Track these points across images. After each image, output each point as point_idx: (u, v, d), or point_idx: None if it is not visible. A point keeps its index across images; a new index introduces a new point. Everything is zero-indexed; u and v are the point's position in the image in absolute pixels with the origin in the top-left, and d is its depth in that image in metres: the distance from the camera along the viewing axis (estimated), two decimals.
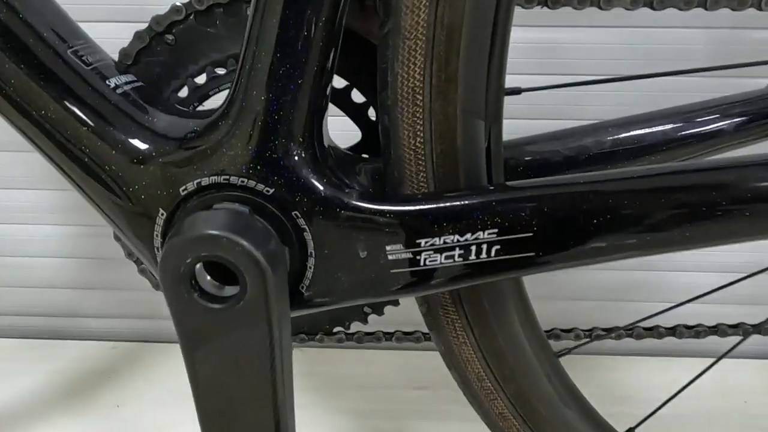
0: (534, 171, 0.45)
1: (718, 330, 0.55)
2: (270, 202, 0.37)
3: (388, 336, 0.60)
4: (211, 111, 0.39)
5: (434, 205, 0.36)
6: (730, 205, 0.33)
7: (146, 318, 1.05)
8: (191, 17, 0.44)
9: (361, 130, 0.48)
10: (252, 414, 0.37)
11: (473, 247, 0.36)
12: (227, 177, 0.36)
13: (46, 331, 1.06)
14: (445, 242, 0.36)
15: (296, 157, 0.37)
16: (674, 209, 0.33)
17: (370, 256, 0.37)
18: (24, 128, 0.37)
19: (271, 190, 0.36)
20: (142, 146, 0.36)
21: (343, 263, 0.38)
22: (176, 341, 0.84)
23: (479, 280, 0.38)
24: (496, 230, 0.36)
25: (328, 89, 0.39)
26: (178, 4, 0.44)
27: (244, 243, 0.33)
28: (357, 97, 0.47)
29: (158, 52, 0.46)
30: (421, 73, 0.36)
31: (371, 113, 0.47)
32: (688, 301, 0.56)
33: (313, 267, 0.38)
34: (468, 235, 0.36)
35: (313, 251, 0.38)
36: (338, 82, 0.47)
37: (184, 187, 0.36)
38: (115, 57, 0.44)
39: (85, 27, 0.42)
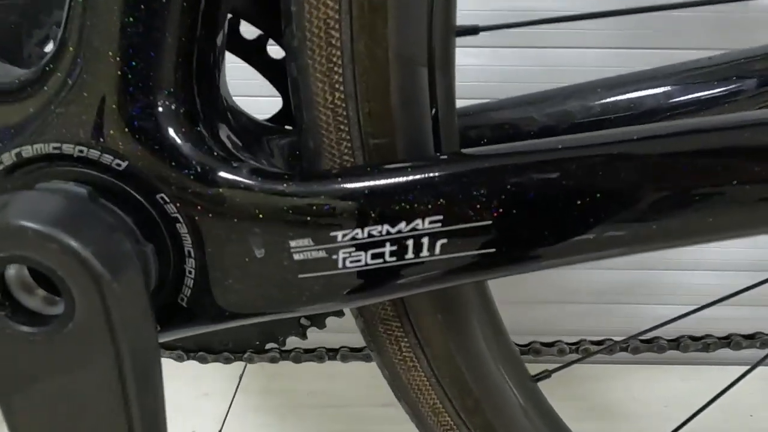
0: (501, 143, 0.35)
1: (731, 342, 0.45)
2: (123, 180, 0.26)
3: (332, 353, 0.49)
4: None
5: (354, 184, 0.26)
6: None
7: None
8: None
9: (282, 94, 0.37)
10: None
11: (410, 242, 0.26)
12: (58, 146, 0.25)
13: None
14: (370, 235, 0.26)
15: (161, 117, 0.26)
16: (694, 183, 0.23)
17: (269, 256, 0.27)
18: None
19: (124, 164, 0.26)
20: None
21: (235, 266, 0.27)
22: None
23: (421, 287, 0.27)
24: (440, 217, 0.25)
25: (219, 28, 0.28)
26: None
27: (67, 240, 0.22)
28: (275, 51, 0.37)
29: None
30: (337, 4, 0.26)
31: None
32: (692, 312, 0.46)
33: (193, 271, 0.28)
34: (402, 225, 0.25)
35: (191, 249, 0.27)
36: (249, 31, 0.37)
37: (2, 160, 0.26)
38: None
39: None
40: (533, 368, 0.40)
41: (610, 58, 0.71)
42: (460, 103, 0.32)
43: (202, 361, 0.47)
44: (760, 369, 0.93)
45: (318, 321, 0.46)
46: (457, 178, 0.25)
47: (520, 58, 0.68)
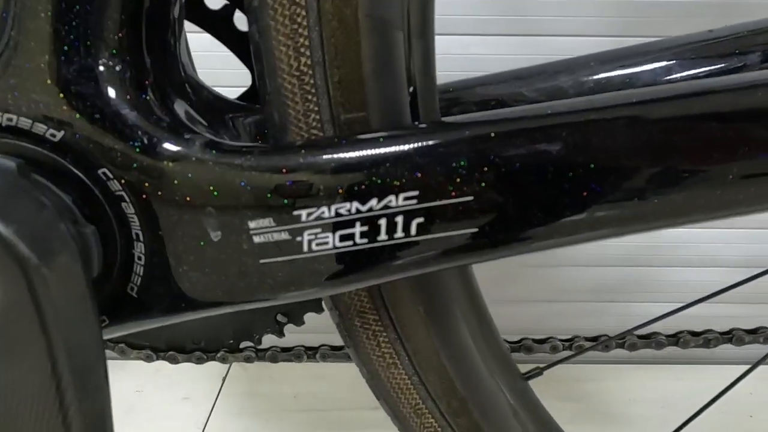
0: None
1: (733, 337, 0.43)
2: (59, 153, 0.23)
3: (311, 351, 0.46)
4: None
5: (318, 157, 0.23)
6: None
7: None
8: None
9: (250, 69, 0.35)
10: None
11: (382, 221, 0.23)
12: None
13: None
14: (338, 213, 0.23)
15: (103, 83, 0.23)
16: (707, 150, 0.20)
17: (226, 239, 0.24)
18: None
19: (59, 135, 0.23)
20: None
21: (188, 250, 0.25)
22: None
23: (396, 273, 0.25)
24: (416, 193, 0.22)
25: None
26: None
27: None
28: (242, 24, 0.34)
29: None
30: None
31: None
32: (692, 304, 0.43)
33: (143, 256, 0.25)
34: (373, 203, 0.23)
35: (139, 232, 0.24)
36: (215, 2, 0.34)
37: None
38: None
39: None
40: (525, 367, 0.38)
41: (608, 47, 0.69)
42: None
43: (173, 361, 0.44)
44: (760, 369, 0.91)
45: (295, 318, 0.43)
46: (433, 149, 0.22)
47: (520, 46, 0.66)
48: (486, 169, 0.22)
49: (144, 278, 0.25)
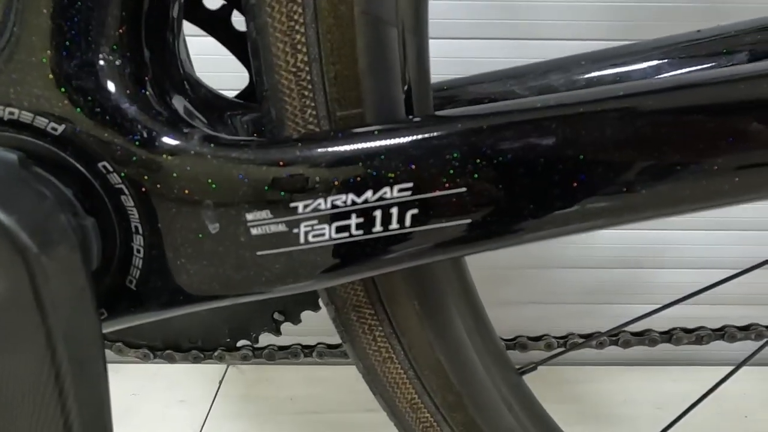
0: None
1: (725, 333, 0.43)
2: (60, 147, 0.23)
3: (308, 350, 0.46)
4: None
5: (315, 150, 0.23)
6: None
7: None
8: None
9: (248, 68, 0.35)
10: None
11: (377, 213, 0.23)
12: None
13: None
14: (334, 205, 0.23)
15: (104, 78, 0.24)
16: (694, 141, 0.21)
17: (224, 232, 0.24)
18: None
19: (60, 128, 0.23)
20: None
21: (187, 243, 0.25)
22: None
23: (391, 265, 0.25)
24: (410, 185, 0.23)
25: None
26: None
27: None
28: (240, 23, 0.34)
29: None
30: None
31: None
32: (676, 302, 0.44)
33: (142, 249, 0.25)
34: (368, 195, 0.23)
35: (138, 225, 0.25)
36: (213, 2, 0.35)
37: None
38: None
39: None
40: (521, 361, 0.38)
41: None
42: None
43: (170, 360, 0.45)
44: (756, 370, 0.92)
45: (292, 316, 0.44)
46: (427, 142, 0.23)
47: (514, 50, 0.67)
48: (478, 161, 0.23)
49: (143, 271, 0.26)
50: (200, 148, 0.24)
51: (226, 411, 0.81)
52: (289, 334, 0.45)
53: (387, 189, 0.23)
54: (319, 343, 0.47)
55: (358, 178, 0.23)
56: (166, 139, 0.24)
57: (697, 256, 0.86)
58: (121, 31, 0.24)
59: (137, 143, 0.24)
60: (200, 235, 0.25)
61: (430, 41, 0.28)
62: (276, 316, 0.44)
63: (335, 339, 0.49)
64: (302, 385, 0.84)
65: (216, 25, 0.34)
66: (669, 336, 0.44)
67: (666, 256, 0.87)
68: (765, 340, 0.40)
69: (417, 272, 0.30)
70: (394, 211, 0.23)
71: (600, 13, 0.70)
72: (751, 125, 0.21)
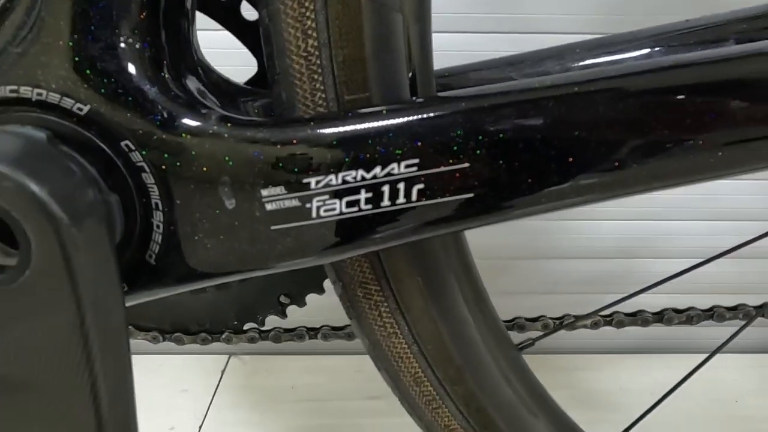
0: None
1: (714, 314, 0.45)
2: (85, 126, 0.25)
3: (313, 332, 0.48)
4: None
5: (327, 129, 0.25)
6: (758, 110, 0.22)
7: None
8: None
9: (256, 57, 0.37)
10: None
11: (386, 188, 0.25)
12: (15, 88, 0.24)
13: None
14: (344, 181, 0.25)
15: (125, 59, 0.25)
16: (684, 119, 0.23)
17: (240, 207, 0.26)
18: None
19: (85, 108, 0.25)
20: None
21: (205, 219, 0.26)
22: None
23: (399, 238, 0.27)
24: (416, 161, 0.24)
25: None
26: None
27: (20, 177, 0.21)
28: (249, 12, 0.36)
29: None
30: None
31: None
32: (650, 287, 0.45)
33: (161, 225, 0.27)
34: (377, 170, 0.25)
35: (158, 201, 0.26)
36: None
37: None
38: None
39: None
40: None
41: None
42: None
43: (179, 342, 0.46)
44: (748, 357, 0.94)
45: (298, 299, 0.45)
46: (432, 120, 0.24)
47: (509, 43, 0.68)
48: (480, 137, 0.24)
49: (162, 246, 0.27)
50: (217, 128, 0.25)
51: (228, 400, 0.82)
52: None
53: (395, 165, 0.25)
54: (323, 326, 0.49)
55: (368, 155, 0.24)
56: (185, 120, 0.25)
57: (689, 246, 0.88)
58: (141, 17, 0.25)
59: (158, 123, 0.25)
60: (217, 211, 0.26)
61: None
62: (282, 298, 0.45)
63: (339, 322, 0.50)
64: (303, 375, 0.85)
65: (226, 15, 0.35)
66: (660, 316, 0.46)
67: (659, 246, 0.89)
68: (738, 328, 0.42)
69: (420, 249, 0.32)
70: (401, 186, 0.25)
71: (592, 6, 0.72)
72: (732, 103, 0.23)
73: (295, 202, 0.25)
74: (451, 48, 0.69)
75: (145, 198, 0.26)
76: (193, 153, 0.25)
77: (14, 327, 0.23)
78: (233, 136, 0.25)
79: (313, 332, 0.52)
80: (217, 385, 0.84)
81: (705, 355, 0.90)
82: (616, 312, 0.46)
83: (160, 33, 0.26)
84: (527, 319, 0.46)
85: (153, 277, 0.28)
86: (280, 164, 0.25)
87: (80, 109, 0.25)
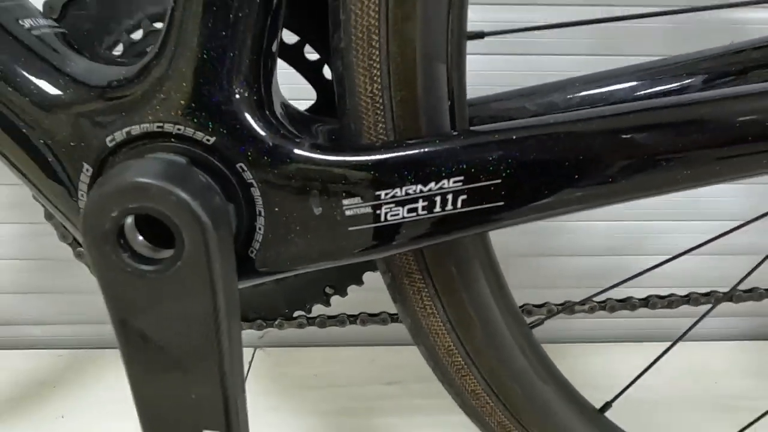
0: None
1: (690, 299, 0.54)
2: (211, 153, 0.33)
3: (353, 318, 0.56)
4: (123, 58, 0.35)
5: (394, 153, 0.33)
6: (714, 141, 0.31)
7: (93, 323, 0.98)
8: None
9: (316, 90, 0.45)
10: (195, 394, 0.33)
11: (438, 198, 0.33)
12: (161, 125, 0.32)
13: None
14: (407, 193, 0.33)
15: (239, 103, 0.33)
16: (657, 148, 0.31)
17: (325, 213, 0.34)
18: None
19: (212, 139, 0.32)
20: (60, 92, 0.32)
21: (297, 222, 0.34)
22: None
23: (446, 235, 0.35)
24: (461, 178, 0.33)
25: (277, 34, 0.35)
26: None
27: (180, 193, 0.29)
28: (310, 54, 0.44)
29: (87, 4, 0.42)
30: (377, 10, 0.33)
31: (326, 72, 0.44)
32: (634, 276, 0.54)
33: (262, 227, 0.35)
34: (432, 185, 0.33)
35: (261, 209, 0.34)
36: (289, 37, 0.44)
37: (111, 138, 0.32)
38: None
39: None
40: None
41: (581, 64, 0.81)
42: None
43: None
44: (729, 344, 1.03)
45: (340, 289, 0.53)
46: (473, 148, 0.33)
47: (507, 63, 0.77)
48: (508, 161, 0.32)
49: (262, 244, 0.35)
50: (309, 154, 0.33)
51: (256, 388, 0.89)
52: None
53: (445, 181, 0.33)
54: (361, 312, 0.56)
55: (425, 174, 0.33)
56: (286, 147, 0.33)
57: (675, 244, 0.97)
58: (249, 71, 0.33)
59: (264, 150, 0.33)
60: (307, 217, 0.34)
61: None
62: (327, 289, 0.53)
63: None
64: (324, 364, 0.93)
65: (293, 56, 0.43)
66: (646, 302, 0.54)
67: (646, 244, 0.98)
68: (697, 320, 0.51)
69: (455, 246, 0.40)
70: (449, 196, 0.33)
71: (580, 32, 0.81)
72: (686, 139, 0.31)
73: (368, 209, 0.34)
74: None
75: (251, 207, 0.34)
76: (291, 173, 0.33)
77: (166, 305, 0.31)
78: (321, 160, 0.33)
79: (332, 319, 0.60)
80: (246, 375, 0.92)
81: (687, 343, 0.99)
82: (609, 298, 0.54)
83: (261, 81, 0.34)
84: (534, 305, 0.55)
85: (253, 268, 0.36)
86: (358, 181, 0.33)
87: (208, 140, 0.32)
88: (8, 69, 0.32)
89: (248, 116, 0.33)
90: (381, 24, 0.33)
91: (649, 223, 0.97)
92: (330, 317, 0.57)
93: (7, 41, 0.32)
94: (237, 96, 0.33)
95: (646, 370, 0.54)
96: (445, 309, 0.42)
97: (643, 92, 0.45)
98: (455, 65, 0.36)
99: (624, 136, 0.32)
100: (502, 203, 0.33)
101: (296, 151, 0.33)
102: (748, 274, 0.51)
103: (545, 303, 0.55)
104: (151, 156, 0.32)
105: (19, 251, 0.94)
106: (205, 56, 0.32)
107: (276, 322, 0.54)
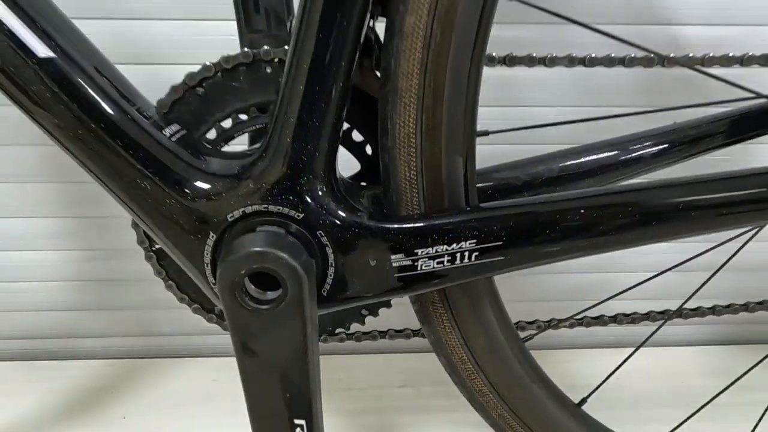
0: (500, 193, 0.57)
1: (649, 316, 0.68)
2: (300, 225, 0.47)
3: (383, 334, 0.70)
4: (244, 152, 0.49)
5: (428, 223, 0.47)
6: (644, 216, 0.45)
7: (141, 336, 1.11)
8: (219, 74, 0.54)
9: (360, 162, 0.58)
10: (289, 393, 0.47)
11: (458, 254, 0.47)
12: (266, 206, 0.46)
13: (41, 352, 1.10)
14: (436, 251, 0.47)
15: (318, 189, 0.47)
16: (604, 219, 0.46)
17: (378, 264, 0.48)
18: (98, 173, 0.46)
19: (301, 215, 0.46)
20: (198, 185, 0.46)
21: (357, 270, 0.48)
22: (170, 356, 0.94)
23: (463, 279, 0.49)
24: (475, 240, 0.47)
25: (340, 133, 0.49)
26: (208, 63, 0.54)
27: (286, 256, 0.43)
28: (356, 136, 0.58)
29: (190, 101, 0.55)
30: (414, 122, 0.47)
31: (368, 149, 0.57)
32: (615, 296, 0.68)
33: (332, 274, 0.48)
34: (454, 245, 0.47)
35: (333, 262, 0.48)
36: None
37: (231, 215, 0.46)
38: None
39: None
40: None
41: (569, 115, 0.96)
42: None
43: None
44: (694, 349, 1.16)
45: (374, 311, 0.67)
46: (484, 220, 0.47)
47: (501, 115, 0.92)
48: (508, 228, 0.46)
49: (331, 285, 0.49)
50: (367, 223, 0.47)
51: None
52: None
53: (463, 243, 0.47)
54: (390, 329, 0.70)
55: (450, 238, 0.47)
56: (349, 219, 0.47)
57: (656, 261, 1.11)
58: (325, 166, 0.47)
59: (336, 222, 0.47)
60: (365, 266, 0.48)
61: None
62: (362, 311, 0.67)
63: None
64: (347, 369, 1.07)
65: (344, 138, 0.57)
66: (614, 318, 0.68)
67: (633, 262, 1.12)
68: (659, 324, 0.65)
69: (469, 285, 0.54)
70: (466, 253, 0.47)
71: (566, 85, 0.95)
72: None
73: (409, 262, 0.48)
74: None
75: (325, 260, 0.48)
76: (354, 237, 0.47)
77: (273, 331, 0.45)
78: (376, 228, 0.47)
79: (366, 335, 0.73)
80: None
81: (662, 349, 1.13)
82: (585, 316, 0.69)
83: (331, 168, 0.48)
84: (526, 322, 0.69)
85: (324, 302, 0.50)
86: (401, 243, 0.47)
87: (298, 216, 0.46)
88: (159, 169, 0.45)
89: (324, 197, 0.47)
90: (417, 130, 0.47)
91: None
92: (365, 333, 0.71)
93: (158, 149, 0.46)
94: (316, 183, 0.47)
95: (615, 370, 0.68)
96: (460, 329, 0.56)
97: (606, 162, 0.60)
98: (468, 156, 0.50)
99: (582, 211, 0.46)
100: (502, 258, 0.47)
101: (358, 221, 0.47)
102: (694, 293, 0.66)
103: (535, 320, 0.69)
104: (260, 229, 0.46)
105: (75, 274, 1.07)
106: (294, 157, 0.46)
107: (321, 337, 0.68)
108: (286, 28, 0.56)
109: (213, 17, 0.90)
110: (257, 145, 0.49)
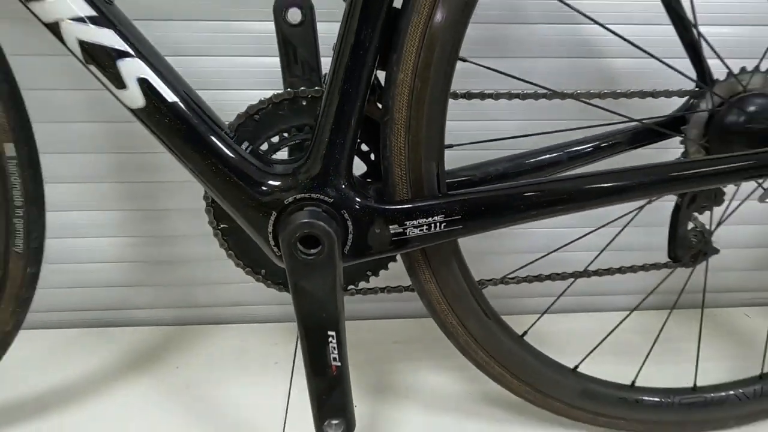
0: (462, 185, 0.83)
1: (560, 275, 0.94)
2: (330, 206, 0.72)
3: (381, 289, 0.95)
4: (293, 159, 0.74)
5: (413, 205, 0.73)
6: (566, 197, 0.71)
7: (184, 307, 1.35)
8: (270, 105, 0.79)
9: (367, 165, 0.84)
10: (325, 313, 0.72)
11: (432, 224, 0.73)
12: (309, 194, 0.71)
13: (103, 321, 1.34)
14: (419, 222, 0.73)
15: (342, 183, 0.72)
16: (530, 200, 0.72)
17: (380, 232, 0.73)
18: (206, 180, 0.71)
19: (331, 200, 0.72)
20: (270, 182, 0.71)
21: (367, 235, 0.74)
22: (207, 323, 1.24)
23: (436, 241, 0.75)
24: (443, 215, 0.73)
25: (355, 146, 0.75)
26: (263, 98, 0.79)
27: (323, 224, 0.68)
28: (364, 147, 0.83)
29: (248, 125, 0.80)
30: (404, 139, 0.73)
31: (372, 156, 0.83)
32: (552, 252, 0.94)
33: (351, 239, 0.74)
34: (429, 219, 0.73)
35: (351, 230, 0.74)
36: None
37: (287, 200, 0.71)
38: None
39: None
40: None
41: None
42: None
43: None
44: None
45: (376, 271, 0.92)
46: (450, 202, 0.72)
47: (471, 127, 1.18)
48: (466, 207, 0.72)
49: (350, 246, 0.74)
50: (374, 205, 0.73)
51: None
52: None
53: (436, 217, 0.72)
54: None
55: (428, 213, 0.72)
56: (362, 202, 0.73)
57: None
58: (347, 164, 0.72)
59: (355, 204, 0.72)
60: (372, 233, 0.73)
61: None
62: (367, 272, 0.92)
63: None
64: (353, 331, 1.31)
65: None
66: (549, 276, 0.95)
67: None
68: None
69: (442, 246, 0.79)
70: (437, 224, 0.73)
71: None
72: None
73: (400, 230, 0.73)
74: None
75: (346, 229, 0.73)
76: (365, 213, 0.73)
77: (316, 273, 0.70)
78: (380, 208, 0.73)
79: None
80: (294, 356, 1.30)
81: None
82: (528, 275, 0.95)
83: (350, 168, 0.73)
84: (486, 279, 0.95)
85: (345, 257, 0.75)
86: (396, 217, 0.73)
87: (329, 200, 0.72)
88: (245, 176, 0.71)
89: (346, 188, 0.73)
90: (406, 145, 0.73)
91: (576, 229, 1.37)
92: (368, 289, 0.97)
93: (241, 161, 0.71)
94: (341, 179, 0.72)
95: (550, 306, 0.94)
96: (436, 279, 0.82)
97: (553, 160, 0.86)
98: (439, 160, 0.76)
99: (515, 195, 0.72)
100: (461, 227, 0.73)
101: (368, 204, 0.73)
102: (595, 258, 0.92)
103: (492, 278, 0.95)
104: (306, 209, 0.71)
105: (130, 257, 1.32)
106: (327, 163, 0.71)
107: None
108: (317, 75, 0.81)
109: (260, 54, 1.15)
110: (302, 154, 0.74)
